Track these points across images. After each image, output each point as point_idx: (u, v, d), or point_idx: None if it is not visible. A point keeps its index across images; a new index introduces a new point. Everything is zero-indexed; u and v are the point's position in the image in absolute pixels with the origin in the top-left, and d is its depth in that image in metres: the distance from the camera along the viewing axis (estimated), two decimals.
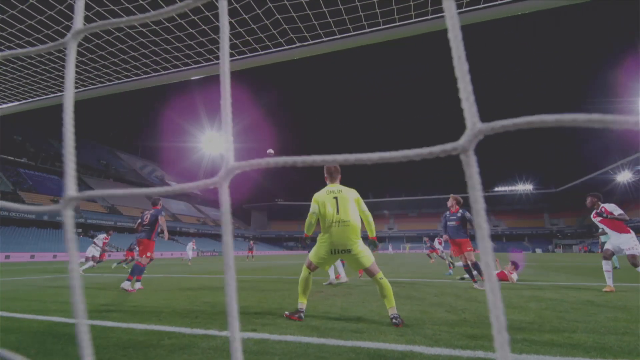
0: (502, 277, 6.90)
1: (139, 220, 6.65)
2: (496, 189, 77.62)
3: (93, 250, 11.23)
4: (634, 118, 0.32)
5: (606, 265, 5.50)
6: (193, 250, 18.97)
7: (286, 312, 3.32)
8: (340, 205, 3.29)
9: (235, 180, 0.49)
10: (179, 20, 2.16)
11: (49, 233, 37.26)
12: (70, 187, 0.52)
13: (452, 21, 0.40)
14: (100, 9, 2.07)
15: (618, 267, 10.68)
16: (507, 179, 76.45)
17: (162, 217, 6.43)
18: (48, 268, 14.07)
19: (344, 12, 2.07)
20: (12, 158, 42.64)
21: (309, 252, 3.67)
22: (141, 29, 2.21)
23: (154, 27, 2.18)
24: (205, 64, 2.54)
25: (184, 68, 2.65)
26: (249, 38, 2.28)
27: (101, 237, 11.70)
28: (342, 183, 3.60)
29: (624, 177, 55.26)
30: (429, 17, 2.00)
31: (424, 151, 0.39)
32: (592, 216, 5.79)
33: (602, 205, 5.64)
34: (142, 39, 2.31)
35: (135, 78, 2.73)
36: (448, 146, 0.37)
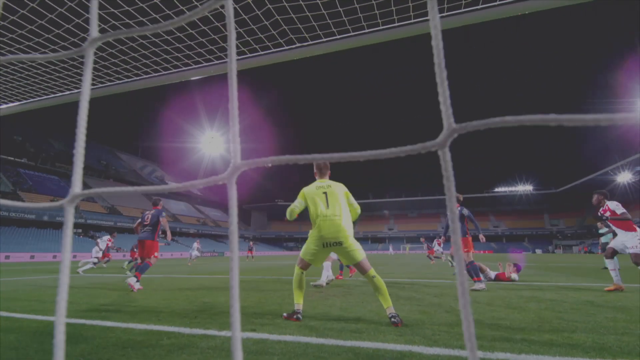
0: (502, 278, 6.91)
1: (139, 221, 6.64)
2: (496, 189, 77.62)
3: (98, 253, 11.31)
4: (602, 116, 0.34)
5: (611, 264, 5.50)
6: (198, 251, 19.11)
7: (284, 314, 3.32)
8: (330, 200, 3.34)
9: (235, 180, 0.49)
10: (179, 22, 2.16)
11: (48, 233, 37.26)
12: (77, 184, 0.53)
13: (435, 31, 0.45)
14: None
15: (618, 267, 10.68)
16: (507, 179, 76.63)
17: (163, 218, 6.42)
18: (48, 268, 14.07)
19: (343, 14, 2.08)
20: (12, 158, 42.64)
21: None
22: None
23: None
24: (205, 64, 2.55)
25: (183, 68, 2.65)
26: (249, 38, 2.29)
27: (105, 239, 11.80)
28: (342, 182, 3.62)
29: (624, 177, 55.27)
30: (429, 17, 2.01)
31: (408, 148, 0.44)
32: (599, 212, 5.78)
33: (607, 202, 5.64)
34: (142, 40, 2.32)
35: (135, 78, 2.73)
36: (428, 144, 0.43)
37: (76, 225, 41.25)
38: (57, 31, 2.23)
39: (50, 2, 2.04)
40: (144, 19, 2.14)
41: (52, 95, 2.94)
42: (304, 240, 3.77)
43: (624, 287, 5.21)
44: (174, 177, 75.71)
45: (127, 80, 2.75)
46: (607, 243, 11.19)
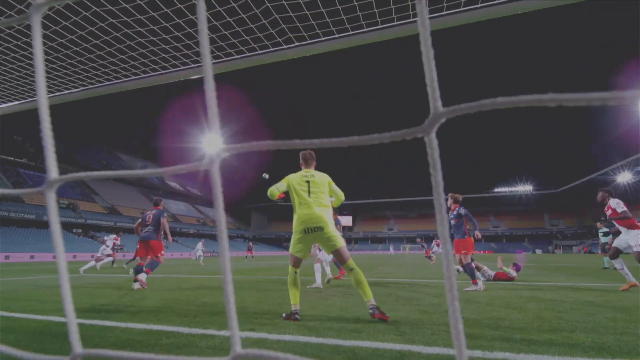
0: (502, 277, 6.90)
1: (139, 220, 6.65)
2: (496, 189, 77.62)
3: (107, 249, 11.45)
4: (605, 94, 0.33)
5: (618, 264, 5.50)
6: (203, 251, 19.22)
7: (283, 315, 3.32)
8: (312, 188, 3.46)
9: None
10: (177, 20, 2.16)
11: (48, 233, 37.03)
12: (52, 170, 0.52)
13: (419, 6, 0.43)
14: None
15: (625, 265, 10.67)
16: (507, 179, 76.43)
17: (164, 219, 6.46)
18: (48, 268, 14.07)
19: (342, 12, 2.08)
20: (12, 158, 42.65)
21: None
22: (139, 28, 2.21)
23: (152, 26, 2.18)
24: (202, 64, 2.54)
25: (183, 68, 2.65)
26: (247, 37, 2.28)
27: (111, 237, 11.94)
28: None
29: (624, 177, 55.26)
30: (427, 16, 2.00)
31: (393, 134, 0.42)
32: (604, 210, 5.80)
33: (610, 200, 5.65)
34: (140, 39, 2.32)
35: (134, 78, 2.73)
36: (412, 130, 0.41)
37: (76, 226, 41.24)
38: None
39: None
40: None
41: (51, 95, 2.94)
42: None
43: (638, 283, 5.22)
44: (174, 177, 75.68)
45: (126, 79, 2.75)
46: (606, 243, 11.18)
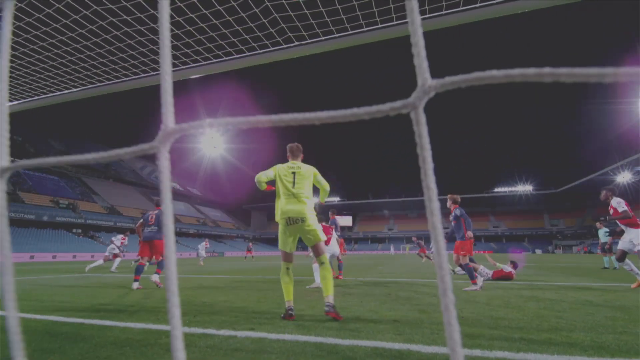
0: (500, 275, 6.91)
1: (141, 221, 6.68)
2: (496, 189, 77.59)
3: (114, 250, 11.59)
4: (605, 70, 0.32)
5: (627, 266, 5.52)
6: (206, 251, 19.27)
7: (282, 315, 3.32)
8: (297, 179, 3.53)
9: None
10: (177, 18, 2.16)
11: (48, 233, 37.24)
12: (3, 157, 0.51)
13: None
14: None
15: (617, 267, 10.69)
16: (507, 179, 76.45)
17: None
18: (47, 268, 14.07)
19: (342, 12, 2.08)
20: (12, 158, 42.45)
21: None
22: (139, 27, 2.21)
23: (152, 24, 2.19)
24: (203, 62, 2.54)
25: (182, 67, 2.65)
26: (247, 37, 2.28)
27: (119, 237, 12.12)
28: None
29: (624, 177, 55.24)
30: (426, 15, 2.01)
31: (374, 109, 0.38)
32: (608, 209, 5.81)
33: (612, 199, 5.66)
34: (140, 38, 2.32)
35: (133, 77, 2.73)
36: (397, 103, 0.37)
37: (75, 226, 41.21)
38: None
39: None
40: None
41: (51, 95, 2.94)
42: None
43: None
44: (174, 177, 75.66)
45: (126, 79, 2.75)
46: (606, 243, 11.19)
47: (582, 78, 0.33)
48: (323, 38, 2.25)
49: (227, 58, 2.47)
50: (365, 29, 2.16)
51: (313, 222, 3.45)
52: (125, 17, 2.14)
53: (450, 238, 6.31)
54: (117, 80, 2.77)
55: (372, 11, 2.06)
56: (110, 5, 2.06)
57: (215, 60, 2.52)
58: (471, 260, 6.42)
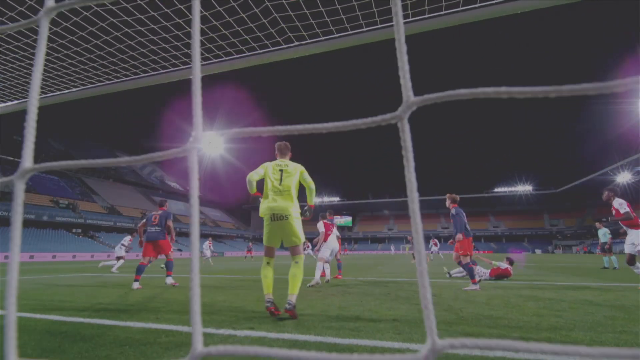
0: (497, 273, 6.93)
1: (144, 221, 6.72)
2: (496, 189, 77.61)
3: (120, 251, 11.69)
4: (600, 85, 0.35)
5: (637, 270, 5.54)
6: (211, 251, 19.38)
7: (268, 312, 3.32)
8: (284, 177, 3.58)
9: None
10: (177, 20, 2.17)
11: (48, 233, 37.24)
12: (27, 159, 0.52)
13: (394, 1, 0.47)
14: None
15: (617, 267, 10.70)
16: (507, 179, 76.55)
17: (170, 221, 6.61)
18: (47, 268, 14.07)
19: (341, 12, 2.08)
20: (12, 158, 42.64)
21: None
22: (139, 27, 2.22)
23: (152, 25, 2.19)
24: (203, 62, 2.55)
25: (182, 67, 2.66)
26: (247, 37, 2.29)
27: (127, 238, 12.42)
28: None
29: (624, 177, 55.24)
30: (426, 16, 2.01)
31: (369, 120, 0.46)
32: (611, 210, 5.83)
33: (614, 200, 5.67)
34: (140, 38, 2.32)
35: (133, 77, 2.74)
36: (387, 116, 0.45)
37: (75, 225, 41.21)
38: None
39: None
40: None
41: (51, 94, 2.94)
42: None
43: None
44: (174, 178, 75.70)
45: (126, 79, 2.75)
46: (605, 243, 11.20)
47: (537, 94, 0.39)
48: (323, 38, 2.25)
49: (227, 58, 2.48)
50: (365, 29, 2.17)
51: (296, 223, 3.49)
52: (125, 17, 2.14)
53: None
54: (116, 80, 2.78)
55: (372, 11, 2.06)
56: (111, 6, 2.07)
57: (215, 60, 2.52)
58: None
